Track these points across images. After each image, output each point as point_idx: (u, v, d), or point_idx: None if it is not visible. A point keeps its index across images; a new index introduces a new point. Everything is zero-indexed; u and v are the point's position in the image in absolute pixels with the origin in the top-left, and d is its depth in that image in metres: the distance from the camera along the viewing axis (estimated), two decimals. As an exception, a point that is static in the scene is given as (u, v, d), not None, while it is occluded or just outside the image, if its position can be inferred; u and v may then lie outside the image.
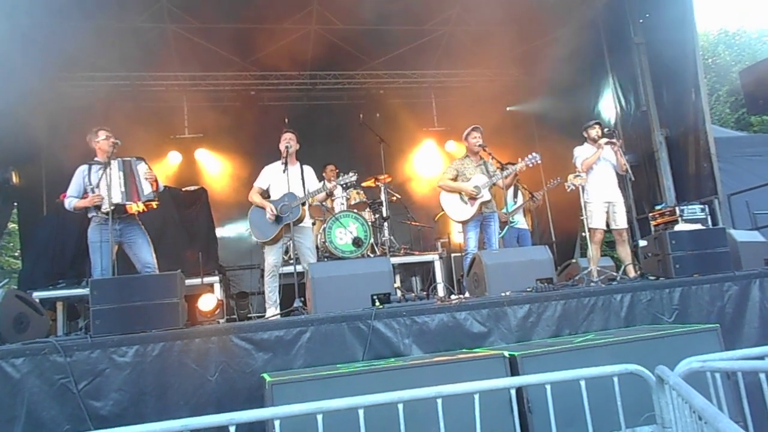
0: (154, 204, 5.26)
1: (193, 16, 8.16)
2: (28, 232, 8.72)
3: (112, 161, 5.11)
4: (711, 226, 6.94)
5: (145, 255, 5.18)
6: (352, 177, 5.84)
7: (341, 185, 6.12)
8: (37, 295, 5.96)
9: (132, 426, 2.19)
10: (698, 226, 6.43)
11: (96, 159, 5.18)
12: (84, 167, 5.18)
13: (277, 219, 5.49)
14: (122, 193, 5.05)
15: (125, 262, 5.30)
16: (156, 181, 5.26)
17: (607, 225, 6.31)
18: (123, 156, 5.26)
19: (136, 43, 8.15)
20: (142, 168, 5.21)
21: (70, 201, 5.12)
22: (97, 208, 5.01)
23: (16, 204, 8.69)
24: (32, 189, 8.46)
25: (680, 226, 6.64)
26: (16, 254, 13.68)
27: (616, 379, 2.65)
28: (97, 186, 5.03)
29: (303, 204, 5.57)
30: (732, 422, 1.67)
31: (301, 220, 5.59)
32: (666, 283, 4.59)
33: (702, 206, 7.27)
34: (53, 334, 5.40)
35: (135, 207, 5.10)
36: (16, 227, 10.52)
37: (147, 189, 5.16)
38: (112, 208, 4.89)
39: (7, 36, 6.65)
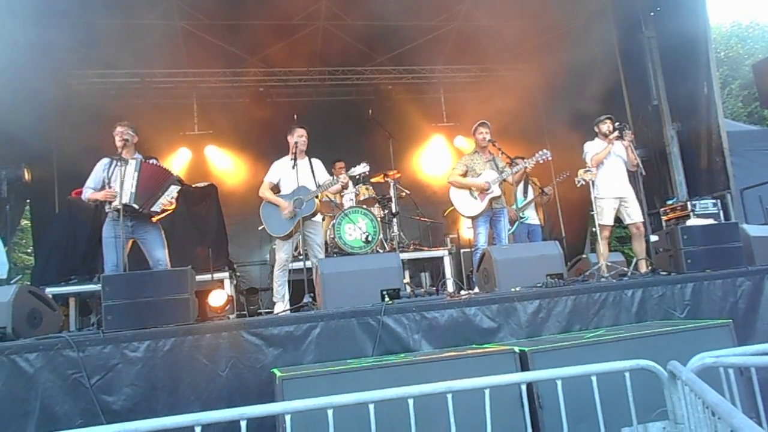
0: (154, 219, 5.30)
1: (203, 13, 8.18)
2: (41, 228, 8.79)
3: (130, 159, 5.14)
4: (723, 221, 6.87)
5: (158, 252, 5.22)
6: (363, 168, 5.80)
7: (353, 177, 6.08)
8: (50, 290, 6.02)
9: (144, 420, 2.20)
10: (710, 221, 6.37)
11: (119, 153, 5.18)
12: (106, 160, 5.23)
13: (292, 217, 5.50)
14: (131, 194, 5.03)
15: (136, 258, 5.34)
16: (171, 205, 5.30)
17: (622, 220, 6.27)
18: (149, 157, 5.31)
19: (146, 41, 8.18)
20: (171, 191, 5.22)
21: (86, 191, 5.19)
22: (110, 203, 5.06)
23: (28, 201, 8.78)
24: (44, 186, 8.54)
25: (692, 221, 6.59)
26: (29, 251, 13.79)
27: (627, 375, 2.63)
28: (113, 181, 5.08)
29: (316, 197, 5.58)
30: (747, 418, 1.65)
31: (314, 214, 5.60)
32: (678, 279, 4.55)
33: (714, 201, 7.20)
34: (66, 330, 5.44)
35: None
36: (29, 224, 10.61)
37: (158, 208, 5.18)
38: (120, 207, 4.92)
39: (18, 34, 6.70)
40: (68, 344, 3.45)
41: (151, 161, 5.33)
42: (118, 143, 5.18)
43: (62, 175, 8.62)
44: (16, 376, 3.37)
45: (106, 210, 5.16)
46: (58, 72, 8.50)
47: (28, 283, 7.62)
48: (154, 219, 5.26)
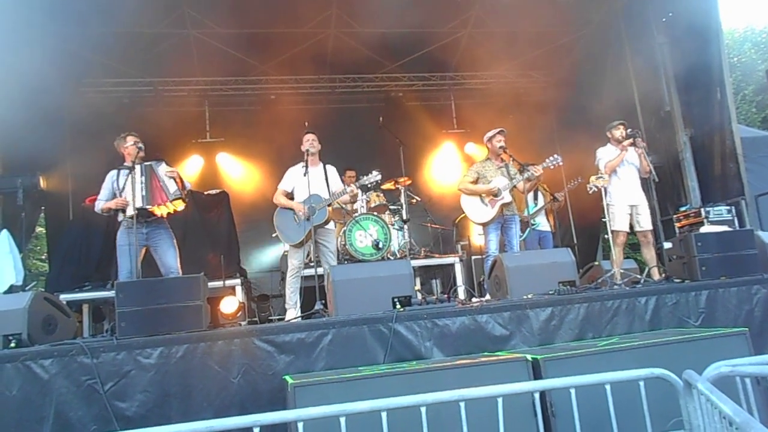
0: (179, 205, 5.26)
1: (214, 22, 8.26)
2: (55, 236, 8.90)
3: (136, 166, 5.21)
4: (738, 228, 6.79)
5: (170, 259, 5.26)
6: (376, 177, 5.81)
7: (365, 185, 6.09)
8: (64, 297, 6.08)
9: (157, 427, 2.22)
10: (725, 228, 6.29)
11: (125, 164, 5.29)
12: (113, 172, 5.33)
13: (306, 220, 5.52)
14: (143, 197, 5.12)
15: (150, 265, 5.38)
16: (180, 179, 5.30)
17: (631, 227, 6.23)
18: (147, 160, 5.36)
19: (158, 49, 8.28)
20: (162, 168, 5.28)
21: (99, 203, 5.29)
22: (123, 211, 5.12)
23: (43, 208, 8.87)
24: (59, 194, 8.63)
25: (706, 228, 6.52)
26: (44, 257, 13.95)
27: (642, 384, 2.60)
28: (123, 190, 5.16)
29: (328, 206, 5.59)
30: (765, 428, 1.63)
31: (326, 222, 5.61)
32: (692, 286, 4.50)
33: (728, 207, 7.11)
34: (79, 336, 5.49)
35: (159, 210, 5.18)
36: (44, 231, 10.74)
37: (172, 188, 5.19)
38: (136, 212, 5.00)
39: (32, 44, 6.80)
40: (82, 351, 3.48)
41: (159, 164, 5.34)
42: (133, 152, 5.27)
43: (77, 183, 8.71)
44: (31, 381, 3.40)
45: (119, 219, 5.23)
46: (72, 81, 8.63)
47: (43, 289, 7.69)
48: (179, 206, 5.25)
